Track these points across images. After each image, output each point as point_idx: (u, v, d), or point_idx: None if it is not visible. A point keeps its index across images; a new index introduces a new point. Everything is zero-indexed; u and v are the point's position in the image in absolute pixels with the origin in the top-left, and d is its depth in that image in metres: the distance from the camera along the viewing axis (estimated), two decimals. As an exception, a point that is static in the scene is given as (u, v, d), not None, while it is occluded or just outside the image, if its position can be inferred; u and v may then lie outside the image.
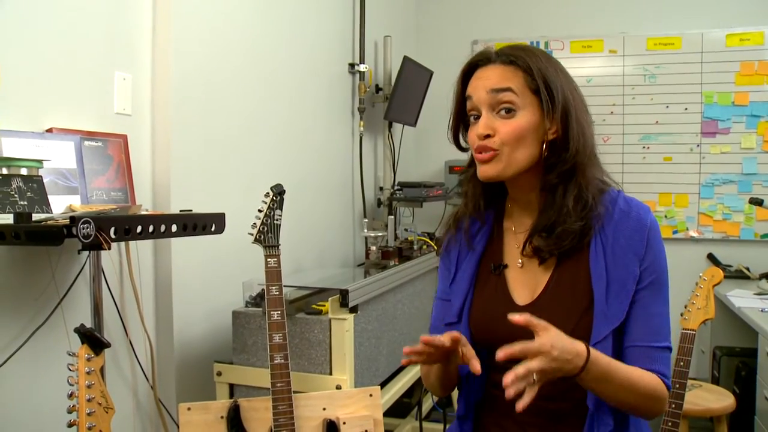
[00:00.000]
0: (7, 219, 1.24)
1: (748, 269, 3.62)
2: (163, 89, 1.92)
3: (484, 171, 1.18)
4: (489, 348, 1.26)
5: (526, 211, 1.24)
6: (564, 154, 1.16)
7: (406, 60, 3.25)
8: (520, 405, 0.94)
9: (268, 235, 1.64)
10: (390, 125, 3.54)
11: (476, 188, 1.27)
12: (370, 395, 1.70)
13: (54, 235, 1.20)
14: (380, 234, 2.82)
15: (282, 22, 2.57)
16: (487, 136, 1.15)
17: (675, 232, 3.86)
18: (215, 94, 2.14)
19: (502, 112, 1.15)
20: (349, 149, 3.28)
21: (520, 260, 1.23)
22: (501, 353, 0.96)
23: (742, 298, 3.00)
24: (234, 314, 1.96)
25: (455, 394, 1.32)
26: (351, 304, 1.88)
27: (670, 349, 1.15)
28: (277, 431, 1.56)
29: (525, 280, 1.22)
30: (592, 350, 1.03)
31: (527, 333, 1.16)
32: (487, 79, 1.16)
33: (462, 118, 1.24)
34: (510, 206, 1.29)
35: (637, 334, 1.14)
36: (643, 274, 1.14)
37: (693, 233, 3.84)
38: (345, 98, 3.23)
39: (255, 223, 1.64)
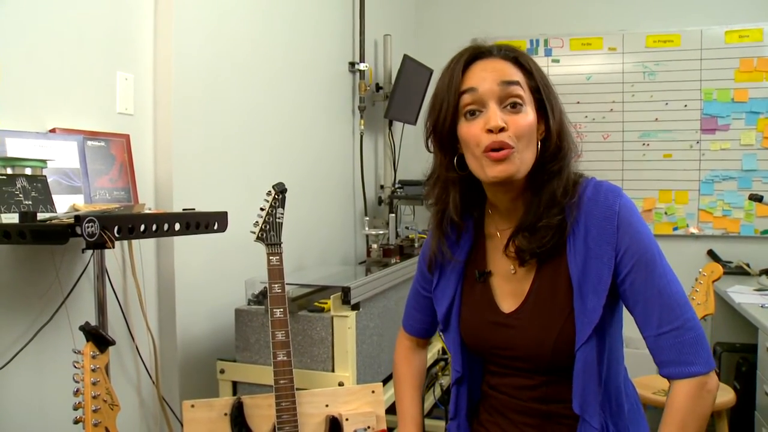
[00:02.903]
0: (13, 218, 1.26)
1: (748, 265, 3.63)
2: (165, 89, 1.93)
3: (501, 171, 1.07)
4: (481, 355, 1.25)
5: (508, 215, 1.18)
6: (558, 154, 1.12)
7: (406, 58, 3.26)
8: None
9: (270, 233, 1.65)
10: (390, 124, 3.55)
11: (456, 194, 1.19)
12: (373, 392, 1.71)
13: (59, 234, 1.21)
14: (381, 232, 2.83)
15: (282, 21, 2.58)
16: (502, 130, 1.06)
17: (675, 229, 3.87)
18: (217, 94, 2.15)
19: (509, 107, 1.08)
20: (350, 148, 3.29)
21: (511, 266, 1.18)
22: None
23: (742, 294, 3.00)
24: (237, 312, 1.97)
25: (450, 404, 1.32)
26: (353, 302, 1.89)
27: (689, 320, 1.05)
28: (281, 428, 1.57)
29: (509, 288, 1.18)
30: None
31: (516, 338, 1.16)
32: (494, 70, 1.08)
33: (455, 116, 1.12)
34: (491, 212, 1.22)
35: (647, 323, 1.07)
36: (623, 260, 1.07)
37: (693, 230, 3.85)
38: (345, 97, 3.24)
39: (257, 222, 1.65)
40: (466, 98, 1.10)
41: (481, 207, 1.24)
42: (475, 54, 1.13)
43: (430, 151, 1.21)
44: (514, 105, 1.08)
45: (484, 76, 1.09)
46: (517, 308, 1.17)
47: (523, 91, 1.09)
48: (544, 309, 1.13)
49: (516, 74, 1.10)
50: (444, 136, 1.14)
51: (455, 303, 1.24)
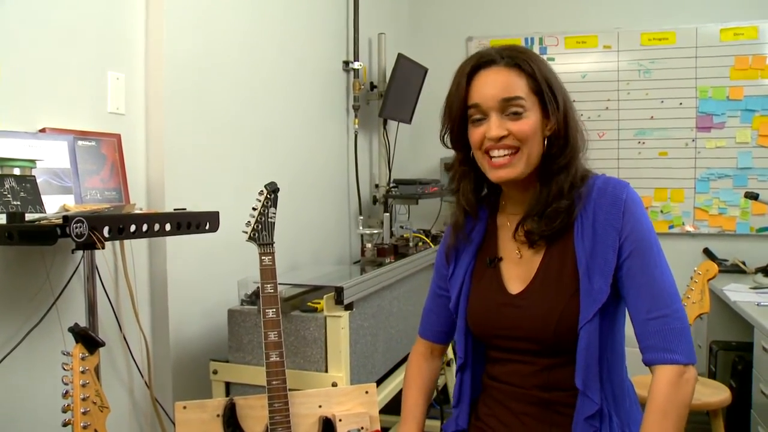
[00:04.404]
0: (0, 219, 1.24)
1: (743, 263, 3.63)
2: (156, 88, 1.91)
3: (504, 174, 1.18)
4: (486, 340, 1.28)
5: (520, 204, 1.26)
6: (566, 149, 1.20)
7: (401, 57, 3.25)
8: None
9: (262, 233, 1.64)
10: (385, 122, 3.54)
11: (468, 185, 1.30)
12: (366, 392, 1.70)
13: (47, 234, 1.20)
14: (376, 231, 2.82)
15: (275, 19, 2.57)
16: (502, 138, 1.16)
17: (671, 227, 3.87)
18: (209, 93, 2.13)
19: (511, 115, 1.17)
20: (344, 147, 3.28)
21: (517, 250, 1.25)
22: None
23: (738, 293, 3.00)
24: (229, 312, 1.96)
25: (453, 391, 1.35)
26: (346, 302, 1.88)
27: (677, 311, 1.12)
28: (273, 429, 1.56)
29: (518, 271, 1.25)
30: None
31: (521, 318, 1.20)
32: (494, 86, 1.17)
33: (464, 119, 1.23)
34: (504, 203, 1.32)
35: (637, 308, 1.14)
36: (623, 245, 1.15)
37: (689, 228, 3.85)
38: (339, 96, 3.22)
39: (249, 221, 1.64)
40: (471, 111, 1.21)
41: (497, 198, 1.33)
42: (479, 63, 1.20)
43: (445, 146, 1.31)
44: (515, 113, 1.17)
45: (487, 92, 1.18)
46: (524, 289, 1.23)
47: (525, 100, 1.17)
48: (550, 289, 1.19)
49: (518, 84, 1.17)
50: (455, 136, 1.27)
51: (464, 287, 1.30)
